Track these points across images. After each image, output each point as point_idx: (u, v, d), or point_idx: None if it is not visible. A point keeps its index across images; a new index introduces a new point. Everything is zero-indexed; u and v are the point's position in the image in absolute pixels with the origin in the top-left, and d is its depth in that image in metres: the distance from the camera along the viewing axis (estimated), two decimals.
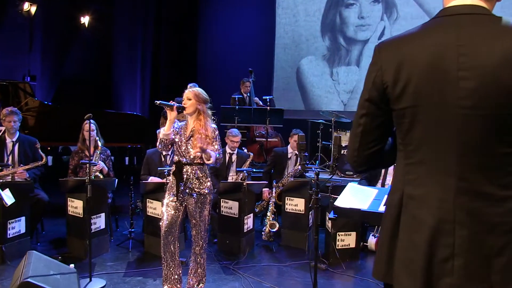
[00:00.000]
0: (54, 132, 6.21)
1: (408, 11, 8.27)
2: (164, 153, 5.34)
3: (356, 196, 2.23)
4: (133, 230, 5.51)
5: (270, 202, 5.26)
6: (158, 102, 3.48)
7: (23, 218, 4.53)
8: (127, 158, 6.61)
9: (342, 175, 6.67)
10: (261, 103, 7.72)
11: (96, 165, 4.80)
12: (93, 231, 4.58)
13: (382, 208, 2.11)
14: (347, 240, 4.76)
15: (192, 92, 3.62)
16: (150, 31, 9.72)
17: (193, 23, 10.27)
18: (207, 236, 3.73)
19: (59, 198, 5.04)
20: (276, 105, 8.07)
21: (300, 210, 5.24)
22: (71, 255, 4.58)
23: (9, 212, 4.28)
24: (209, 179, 3.67)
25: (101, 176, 5.00)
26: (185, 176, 3.56)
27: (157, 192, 4.74)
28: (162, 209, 3.64)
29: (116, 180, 4.70)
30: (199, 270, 3.71)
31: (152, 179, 5.10)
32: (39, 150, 4.96)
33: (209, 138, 3.58)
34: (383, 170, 4.92)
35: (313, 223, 3.21)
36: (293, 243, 5.24)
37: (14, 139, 4.97)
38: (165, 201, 3.64)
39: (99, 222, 4.70)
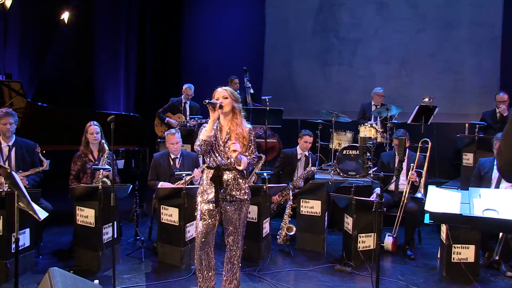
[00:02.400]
0: (45, 134, 5.76)
1: (400, 12, 8.33)
2: (172, 156, 5.07)
3: (443, 200, 2.12)
4: (138, 238, 5.23)
5: (287, 205, 5.09)
6: (206, 101, 3.23)
7: (27, 230, 4.15)
8: (121, 162, 6.24)
9: (345, 175, 6.59)
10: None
11: (109, 171, 4.46)
12: (105, 241, 4.28)
13: (480, 213, 2.01)
14: (367, 241, 4.67)
15: (227, 90, 3.40)
16: (134, 28, 9.31)
17: (179, 21, 9.95)
18: (243, 244, 3.51)
19: (54, 205, 4.65)
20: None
21: (316, 213, 5.12)
22: (81, 268, 4.23)
23: (13, 224, 3.88)
24: (246, 183, 3.47)
25: (108, 182, 4.66)
26: (224, 182, 3.33)
27: (173, 198, 4.47)
28: (197, 218, 3.40)
29: (131, 186, 4.38)
30: (234, 282, 3.49)
31: (163, 185, 4.82)
32: (40, 155, 4.57)
33: (246, 140, 3.37)
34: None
35: (376, 227, 3.07)
36: (309, 246, 5.12)
37: (10, 143, 4.55)
38: (199, 208, 3.40)
39: (110, 231, 4.37)
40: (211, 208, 3.35)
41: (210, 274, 3.45)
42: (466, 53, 7.96)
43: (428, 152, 5.06)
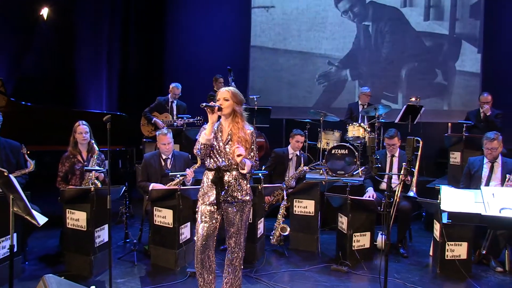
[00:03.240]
0: (28, 134, 5.55)
1: (389, 13, 8.42)
2: (164, 156, 4.96)
3: (457, 200, 2.12)
4: (129, 240, 5.11)
5: (281, 205, 5.05)
6: (203, 104, 3.16)
7: (14, 235, 3.95)
8: (106, 162, 6.08)
9: (334, 175, 6.61)
10: None
11: (103, 172, 4.32)
12: (97, 245, 4.15)
13: (497, 212, 2.02)
14: (362, 240, 4.69)
15: (229, 92, 3.31)
16: (117, 25, 9.09)
17: (163, 19, 9.78)
18: (244, 246, 3.46)
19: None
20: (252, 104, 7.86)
21: (309, 212, 5.10)
22: (71, 273, 4.07)
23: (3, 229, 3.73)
24: (248, 183, 3.41)
25: (99, 184, 4.53)
26: (225, 183, 3.27)
27: (167, 199, 4.37)
28: (197, 220, 3.32)
29: (124, 187, 4.26)
30: (237, 283, 3.44)
31: (155, 186, 4.70)
32: (25, 156, 4.38)
33: (248, 143, 3.31)
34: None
35: (386, 227, 3.07)
36: (303, 246, 5.10)
37: None
38: (200, 210, 3.33)
39: (103, 234, 4.24)
40: (212, 210, 3.28)
41: (211, 277, 3.38)
42: (450, 54, 8.10)
43: (420, 151, 5.12)
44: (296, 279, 4.20)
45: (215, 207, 3.28)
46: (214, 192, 3.27)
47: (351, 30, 8.63)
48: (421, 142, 5.17)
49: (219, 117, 3.34)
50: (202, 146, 3.23)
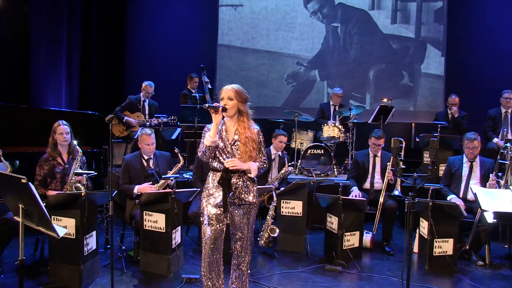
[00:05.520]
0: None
1: (357, 15, 8.59)
2: (146, 157, 4.74)
3: (494, 199, 2.18)
4: (108, 246, 4.83)
5: (271, 206, 4.99)
6: (206, 105, 3.05)
7: None
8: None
9: (310, 175, 6.63)
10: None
11: (94, 175, 4.05)
12: (86, 253, 3.88)
13: None
14: (352, 240, 4.74)
15: (233, 90, 3.20)
16: (77, 21, 8.58)
17: (125, 15, 9.39)
18: (252, 249, 3.37)
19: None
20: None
21: (297, 213, 5.09)
22: (58, 285, 3.80)
23: None
24: (256, 185, 3.32)
25: (82, 188, 4.24)
26: (232, 185, 3.17)
27: (159, 203, 4.18)
28: (204, 223, 3.20)
29: (116, 191, 4.02)
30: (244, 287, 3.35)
31: (140, 189, 4.47)
32: (1, 158, 4.03)
33: (255, 143, 3.22)
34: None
35: (407, 228, 3.09)
36: (290, 247, 5.08)
37: None
38: (205, 213, 3.21)
39: (92, 242, 3.98)
40: (219, 212, 3.17)
41: (220, 281, 3.28)
42: (415, 57, 8.41)
43: (403, 151, 5.25)
44: (294, 280, 4.16)
45: (222, 209, 3.17)
46: (220, 193, 3.17)
47: (320, 31, 8.73)
48: (403, 143, 5.32)
49: (223, 117, 3.24)
50: (206, 149, 3.11)
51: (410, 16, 8.35)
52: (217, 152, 3.19)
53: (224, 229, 3.23)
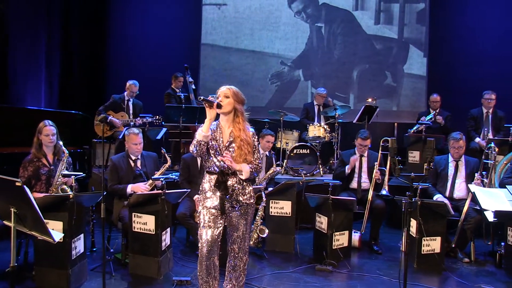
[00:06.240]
0: None
1: (341, 16, 8.64)
2: (133, 157, 4.65)
3: (492, 198, 2.21)
4: (94, 249, 4.74)
5: (260, 206, 4.97)
6: (201, 98, 3.01)
7: None
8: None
9: (296, 175, 6.64)
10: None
11: (82, 176, 3.94)
12: (74, 257, 3.78)
13: None
14: (341, 239, 4.76)
15: (230, 89, 3.19)
16: (56, 18, 8.34)
17: (107, 12, 9.20)
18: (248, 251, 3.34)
19: None
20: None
21: (286, 213, 5.09)
22: None
23: None
24: (251, 185, 3.30)
25: (68, 190, 4.14)
26: (229, 187, 3.14)
27: (148, 204, 4.10)
28: (200, 226, 3.16)
29: (105, 193, 3.91)
30: None
31: (134, 188, 4.39)
32: None
33: (250, 146, 3.19)
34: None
35: (404, 227, 3.11)
36: (279, 247, 5.08)
37: None
38: (202, 215, 3.17)
39: (79, 245, 3.88)
40: (216, 214, 3.14)
41: (216, 284, 3.24)
42: (398, 57, 8.51)
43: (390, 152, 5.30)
44: (285, 281, 4.15)
45: (219, 211, 3.14)
46: (217, 195, 3.14)
47: (304, 30, 8.73)
48: (390, 142, 5.36)
49: (218, 115, 3.21)
50: (197, 144, 3.07)
51: (393, 17, 8.44)
52: (212, 154, 3.15)
53: (221, 231, 3.20)
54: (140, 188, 4.36)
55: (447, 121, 6.76)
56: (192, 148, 3.12)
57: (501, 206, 2.14)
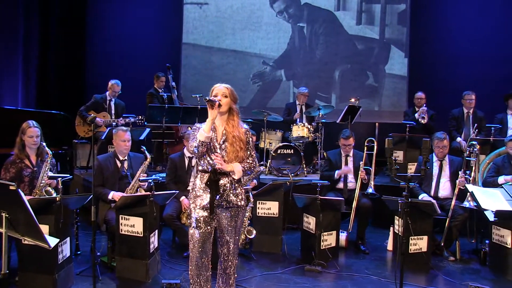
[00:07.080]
0: None
1: (323, 16, 8.67)
2: (121, 158, 4.54)
3: (490, 198, 2.24)
4: (79, 252, 4.61)
5: (248, 208, 4.92)
6: (207, 98, 2.97)
7: None
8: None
9: (280, 175, 6.62)
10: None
11: (70, 178, 3.81)
12: (60, 261, 3.66)
13: None
14: (329, 239, 4.77)
15: (228, 88, 3.17)
16: (35, 17, 8.10)
17: (85, 11, 8.98)
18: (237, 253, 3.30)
19: None
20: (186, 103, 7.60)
21: (273, 214, 5.07)
22: None
23: None
24: (243, 187, 3.26)
25: (53, 192, 4.01)
26: (220, 187, 3.09)
27: (136, 206, 4.02)
28: (192, 226, 3.11)
29: (91, 195, 3.81)
30: None
31: (115, 195, 4.27)
32: None
33: (243, 143, 3.16)
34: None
35: (400, 227, 3.11)
36: (266, 248, 5.05)
37: None
38: (193, 215, 3.12)
39: (66, 249, 3.76)
40: (207, 214, 3.09)
41: (208, 286, 3.19)
42: (380, 57, 8.61)
43: (375, 150, 5.35)
44: (275, 282, 4.13)
45: (208, 211, 3.09)
46: (208, 195, 3.09)
47: (286, 30, 8.74)
48: (375, 142, 5.42)
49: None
50: (199, 144, 3.01)
51: (375, 17, 8.53)
52: (205, 153, 3.10)
53: (212, 231, 3.16)
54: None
55: (432, 120, 6.85)
56: (193, 149, 3.06)
57: (501, 206, 2.17)
